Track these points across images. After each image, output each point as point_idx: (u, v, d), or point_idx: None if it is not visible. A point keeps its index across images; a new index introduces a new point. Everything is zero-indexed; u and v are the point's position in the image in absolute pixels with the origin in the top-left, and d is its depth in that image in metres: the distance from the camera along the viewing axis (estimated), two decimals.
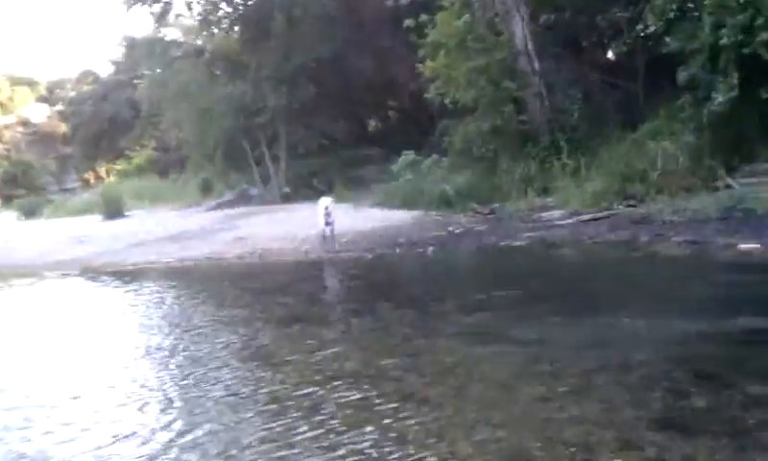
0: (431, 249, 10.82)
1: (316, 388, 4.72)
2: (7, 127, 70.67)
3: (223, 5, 21.46)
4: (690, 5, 11.79)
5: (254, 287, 9.56)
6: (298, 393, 4.68)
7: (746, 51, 10.36)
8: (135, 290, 10.68)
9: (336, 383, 4.78)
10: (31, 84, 76.34)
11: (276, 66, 20.37)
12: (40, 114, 73.28)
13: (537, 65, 14.86)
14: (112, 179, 52.79)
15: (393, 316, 6.78)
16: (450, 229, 12.34)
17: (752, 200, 10.02)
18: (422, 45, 15.72)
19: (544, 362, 4.83)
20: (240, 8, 21.50)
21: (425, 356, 5.36)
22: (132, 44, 25.56)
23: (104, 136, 57.14)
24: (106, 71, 42.39)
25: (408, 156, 16.37)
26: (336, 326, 6.83)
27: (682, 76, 11.75)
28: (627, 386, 4.22)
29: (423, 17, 15.29)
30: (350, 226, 13.63)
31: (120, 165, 47.60)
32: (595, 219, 11.41)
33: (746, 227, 9.03)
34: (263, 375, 5.25)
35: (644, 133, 13.10)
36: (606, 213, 11.64)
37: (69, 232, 20.46)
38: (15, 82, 75.02)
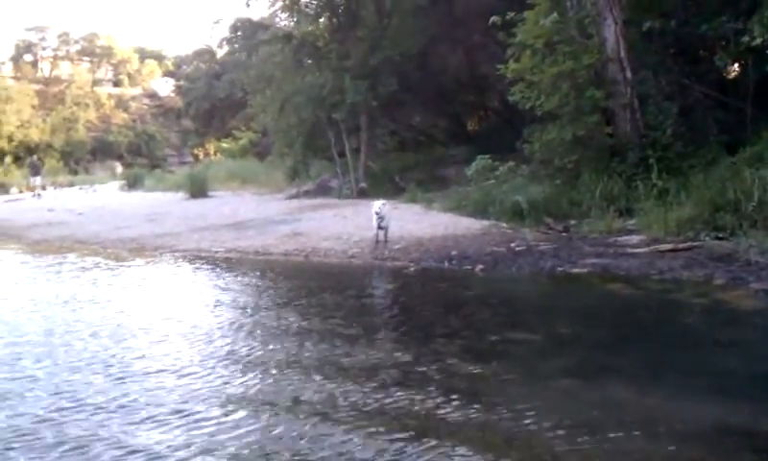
0: (480, 267, 9.89)
1: None
2: (134, 98, 74.24)
3: None
4: None
5: (274, 291, 9.11)
6: None
7: None
8: (153, 278, 10.72)
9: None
10: (159, 58, 79.99)
11: (359, 59, 19.77)
12: (166, 88, 76.54)
13: (629, 74, 13.53)
14: (216, 157, 54.19)
15: (368, 348, 6.02)
16: (512, 245, 11.30)
17: None
18: (511, 44, 14.69)
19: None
20: None
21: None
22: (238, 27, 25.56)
23: (215, 114, 58.98)
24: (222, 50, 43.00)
25: (483, 160, 15.38)
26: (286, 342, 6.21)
27: None
28: None
29: (511, 15, 14.26)
30: (412, 231, 12.94)
31: (227, 144, 48.57)
32: (675, 250, 10.11)
33: None
34: None
35: (744, 159, 11.62)
36: (688, 244, 10.29)
37: (149, 208, 20.87)
38: (145, 55, 78.66)
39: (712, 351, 5.75)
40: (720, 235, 10.33)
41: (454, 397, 4.71)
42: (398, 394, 4.83)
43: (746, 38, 11.35)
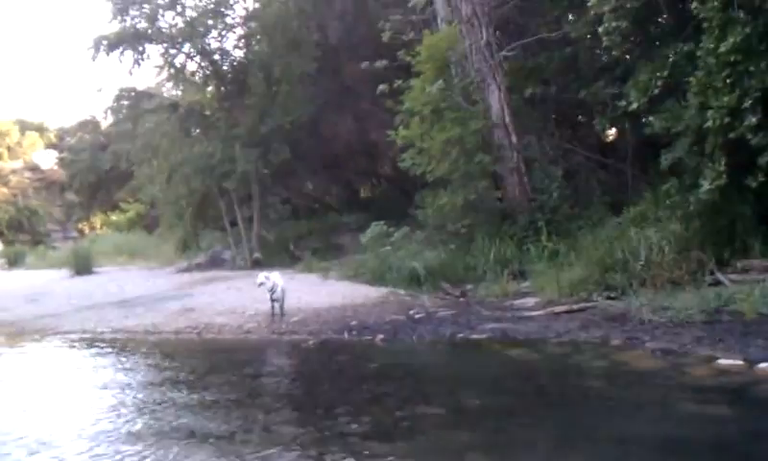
0: (380, 337, 9.67)
1: None
2: (14, 172, 70.55)
3: (198, 58, 20.61)
4: (674, 82, 10.86)
5: (162, 373, 8.52)
6: None
7: (733, 135, 9.37)
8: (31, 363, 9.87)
9: None
10: (41, 129, 76.54)
11: (249, 127, 19.52)
12: (49, 161, 73.28)
13: (515, 139, 13.94)
14: (102, 230, 52.21)
15: (266, 431, 5.71)
16: (411, 312, 11.20)
17: (741, 301, 8.87)
18: (399, 111, 14.87)
19: None
20: (217, 62, 20.68)
21: None
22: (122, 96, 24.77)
23: (101, 186, 56.66)
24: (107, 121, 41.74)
25: (377, 226, 15.29)
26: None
27: (666, 159, 10.78)
28: None
29: (398, 82, 14.45)
30: (309, 302, 12.61)
31: (114, 217, 46.90)
32: (570, 311, 10.26)
33: (731, 335, 7.87)
34: None
35: (628, 219, 12.05)
36: (582, 305, 10.48)
37: (30, 287, 19.60)
38: (26, 126, 75.34)
39: (620, 415, 5.70)
40: (612, 295, 10.58)
41: None
42: None
43: (623, 103, 11.85)
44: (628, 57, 12.92)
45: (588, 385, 6.62)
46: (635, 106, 11.38)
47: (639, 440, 5.09)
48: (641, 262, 10.66)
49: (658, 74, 11.19)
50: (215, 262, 21.21)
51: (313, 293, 13.61)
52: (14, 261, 34.67)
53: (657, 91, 11.12)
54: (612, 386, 6.58)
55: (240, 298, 13.84)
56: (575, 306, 10.43)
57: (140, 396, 7.19)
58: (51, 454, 5.40)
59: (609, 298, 10.53)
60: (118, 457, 5.23)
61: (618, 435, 5.21)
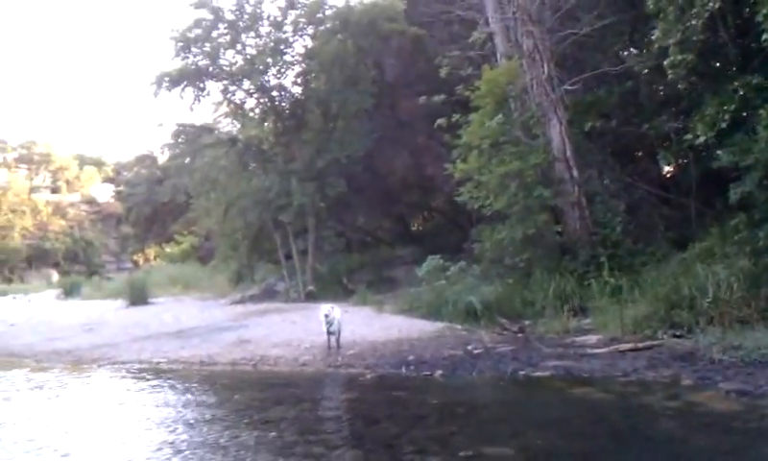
0: (440, 373, 9.49)
1: None
2: (72, 205, 72.69)
3: (257, 94, 20.96)
4: (744, 115, 10.55)
5: (221, 406, 8.49)
6: None
7: None
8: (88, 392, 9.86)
9: None
10: (98, 164, 78.97)
11: (306, 162, 19.71)
12: (105, 194, 75.34)
13: (576, 173, 13.71)
14: (156, 262, 53.07)
15: None
16: (470, 347, 10.98)
17: None
18: (456, 146, 14.80)
19: None
20: (276, 99, 20.99)
21: None
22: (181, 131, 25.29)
23: (156, 219, 57.98)
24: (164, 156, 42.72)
25: (434, 260, 15.17)
26: None
27: (734, 194, 10.43)
28: None
29: (457, 117, 14.40)
30: (364, 335, 12.52)
31: (168, 249, 47.67)
32: (635, 349, 9.91)
33: None
34: None
35: (694, 255, 11.69)
36: (647, 343, 10.12)
37: (87, 317, 19.97)
38: (84, 161, 77.67)
39: None
40: (678, 333, 10.21)
41: None
42: None
43: (689, 137, 11.58)
44: (692, 90, 12.63)
45: (664, 428, 6.31)
46: (701, 139, 11.10)
47: None
48: (709, 299, 10.28)
49: (725, 107, 10.89)
50: (269, 294, 21.37)
51: (368, 326, 13.55)
52: (70, 291, 35.56)
53: (724, 124, 10.82)
54: (688, 429, 6.27)
55: (295, 330, 13.86)
56: (640, 344, 10.09)
57: (197, 431, 7.13)
58: None
59: (675, 336, 10.16)
60: None
61: None
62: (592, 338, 11.05)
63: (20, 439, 7.07)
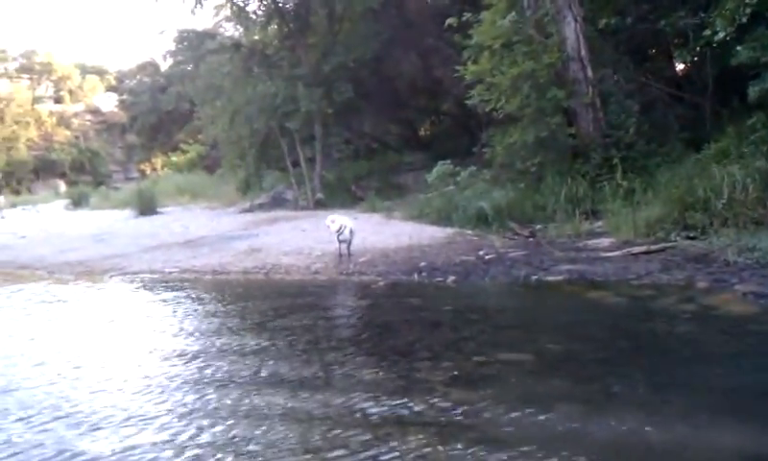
0: (452, 279, 9.46)
1: None
2: (76, 115, 72.26)
3: None
4: (766, 8, 10.13)
5: (233, 317, 8.40)
6: None
7: None
8: (101, 302, 9.91)
9: None
10: (100, 73, 78.09)
11: (312, 66, 19.25)
12: (109, 103, 74.69)
13: (590, 73, 13.33)
14: (163, 171, 53.03)
15: (349, 378, 5.57)
16: (481, 253, 10.91)
17: None
18: (467, 46, 14.37)
19: None
20: (279, 1, 20.34)
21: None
22: (183, 37, 24.71)
23: (161, 128, 57.66)
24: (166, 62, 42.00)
25: (444, 166, 14.99)
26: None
27: (753, 91, 10.14)
28: None
29: (467, 16, 13.93)
30: (374, 243, 12.46)
31: (174, 157, 47.54)
32: (648, 252, 9.82)
33: None
34: None
35: (709, 155, 11.46)
36: (661, 246, 10.02)
37: (97, 227, 20.03)
38: (86, 70, 76.73)
39: (717, 364, 5.38)
40: (691, 235, 10.09)
41: (449, 435, 4.26)
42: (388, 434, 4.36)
43: (707, 33, 11.17)
44: None
45: (680, 331, 6.26)
46: (721, 35, 10.70)
47: (742, 391, 4.79)
48: (723, 200, 10.10)
49: (746, 2, 10.45)
50: (277, 202, 21.33)
51: (378, 233, 13.50)
52: (78, 202, 35.65)
53: (745, 19, 10.40)
54: (704, 332, 6.22)
55: (305, 238, 13.83)
56: (653, 247, 9.99)
57: (212, 340, 7.11)
58: (110, 400, 5.37)
59: (688, 238, 10.05)
60: (197, 403, 5.16)
61: (718, 385, 4.91)
62: (605, 241, 10.96)
63: (31, 352, 7.12)
